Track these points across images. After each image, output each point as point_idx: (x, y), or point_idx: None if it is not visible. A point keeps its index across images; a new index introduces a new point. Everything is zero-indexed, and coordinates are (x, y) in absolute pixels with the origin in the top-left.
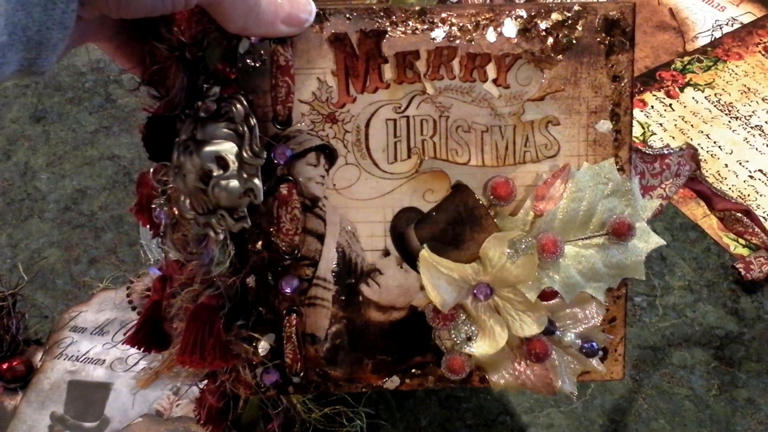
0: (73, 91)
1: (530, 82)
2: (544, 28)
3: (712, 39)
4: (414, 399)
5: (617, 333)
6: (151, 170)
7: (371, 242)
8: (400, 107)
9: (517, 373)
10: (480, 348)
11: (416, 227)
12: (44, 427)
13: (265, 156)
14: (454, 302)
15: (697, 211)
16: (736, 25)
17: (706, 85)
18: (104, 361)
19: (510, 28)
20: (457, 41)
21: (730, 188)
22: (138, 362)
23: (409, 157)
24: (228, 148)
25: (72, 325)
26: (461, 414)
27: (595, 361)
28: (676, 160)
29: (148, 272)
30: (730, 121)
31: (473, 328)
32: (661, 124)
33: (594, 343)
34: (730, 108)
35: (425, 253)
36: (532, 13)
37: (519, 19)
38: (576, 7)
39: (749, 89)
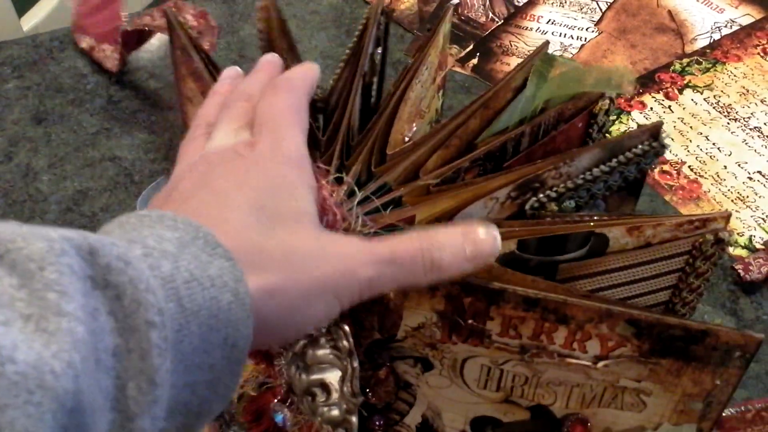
0: (74, 93)
1: (631, 368)
2: (657, 335)
3: (711, 41)
4: None
5: None
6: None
7: (452, 423)
8: (496, 362)
9: None
10: None
11: (493, 428)
12: None
13: (362, 399)
14: None
15: (695, 213)
16: (735, 27)
17: (704, 87)
18: None
19: (624, 326)
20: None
21: (729, 189)
22: None
23: (497, 391)
24: (333, 376)
25: None
26: None
27: None
28: None
29: None
30: (728, 123)
31: None
32: None
33: None
34: (728, 110)
35: None
36: (650, 321)
37: (633, 322)
38: (697, 327)
39: (748, 91)
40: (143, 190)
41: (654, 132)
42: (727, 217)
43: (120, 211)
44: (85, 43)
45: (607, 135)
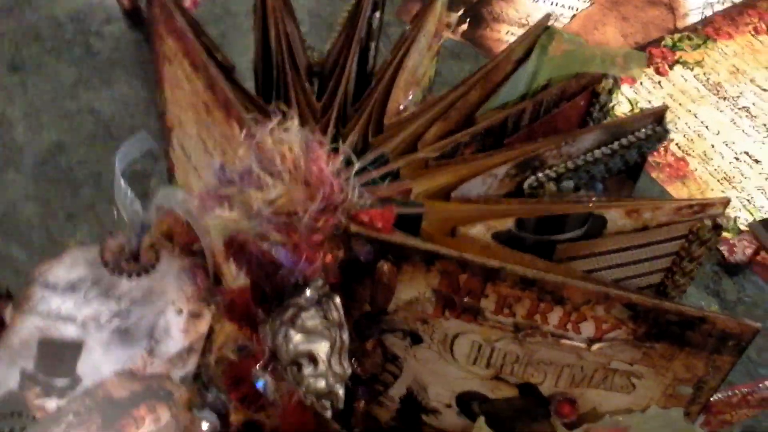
0: (52, 42)
1: (624, 351)
2: (653, 319)
3: (703, 17)
4: None
5: None
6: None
7: (437, 397)
8: (489, 339)
9: None
10: None
11: (480, 403)
12: (14, 383)
13: (350, 371)
14: None
15: (682, 192)
16: (727, 4)
17: (695, 63)
18: (76, 318)
19: (620, 309)
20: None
21: (715, 169)
22: (111, 320)
23: (487, 368)
24: (321, 347)
25: (42, 280)
26: None
27: None
28: None
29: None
30: (717, 102)
31: None
32: (649, 102)
33: None
34: (718, 88)
35: (482, 424)
36: (647, 306)
37: (630, 306)
38: (693, 314)
39: (738, 70)
40: (122, 145)
41: (658, 116)
42: (726, 203)
43: (97, 165)
44: None
45: (608, 115)
